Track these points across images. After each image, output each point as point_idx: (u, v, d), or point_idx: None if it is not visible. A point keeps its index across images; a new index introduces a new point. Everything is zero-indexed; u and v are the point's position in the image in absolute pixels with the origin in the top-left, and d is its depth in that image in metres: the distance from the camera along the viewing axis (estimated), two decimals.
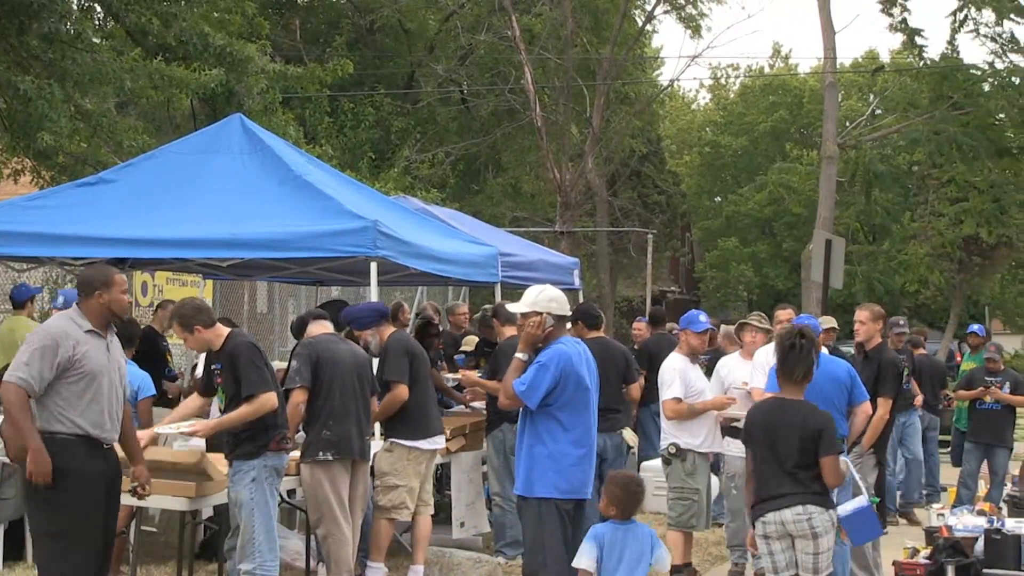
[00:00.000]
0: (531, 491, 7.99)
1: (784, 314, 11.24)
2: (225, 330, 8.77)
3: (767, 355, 11.01)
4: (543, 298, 8.12)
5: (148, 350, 12.00)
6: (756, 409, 8.31)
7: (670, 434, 10.68)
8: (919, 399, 15.47)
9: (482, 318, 13.94)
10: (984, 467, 14.86)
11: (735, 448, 11.04)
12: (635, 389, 12.12)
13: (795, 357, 7.97)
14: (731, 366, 11.19)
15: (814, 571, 7.75)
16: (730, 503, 11.04)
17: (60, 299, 9.99)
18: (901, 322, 15.02)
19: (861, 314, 11.68)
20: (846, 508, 8.16)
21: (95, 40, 17.00)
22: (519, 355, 8.10)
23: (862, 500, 8.40)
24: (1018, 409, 15.23)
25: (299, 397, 9.36)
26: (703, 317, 11.05)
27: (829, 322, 12.19)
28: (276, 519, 8.81)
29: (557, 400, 7.93)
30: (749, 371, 11.00)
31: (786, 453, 7.77)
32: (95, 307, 7.66)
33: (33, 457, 7.24)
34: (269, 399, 8.52)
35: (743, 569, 11.17)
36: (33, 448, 7.26)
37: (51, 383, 7.39)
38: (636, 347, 15.66)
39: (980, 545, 10.84)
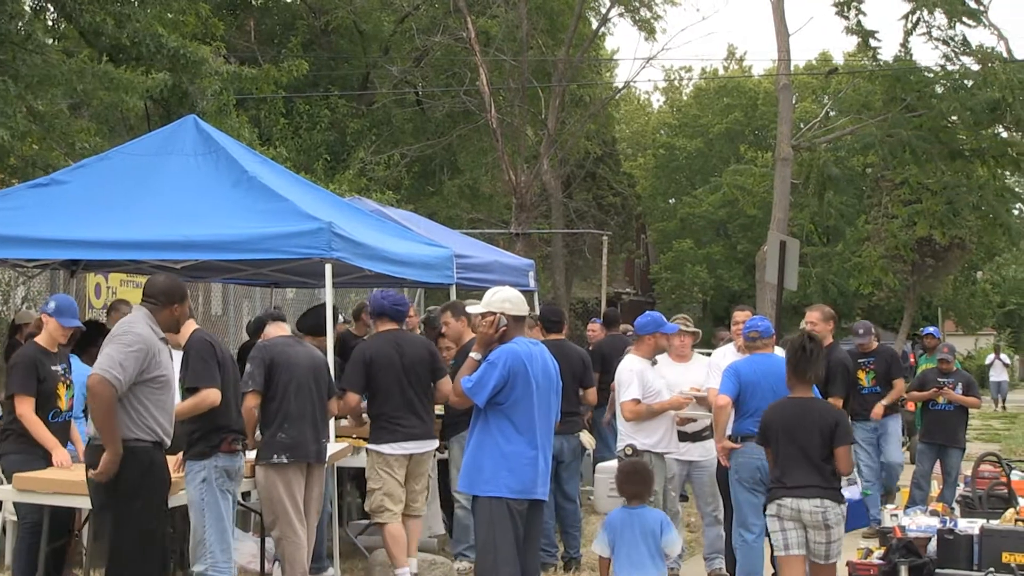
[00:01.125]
0: (483, 490, 7.99)
1: (742, 315, 11.29)
2: (192, 328, 8.75)
3: (723, 357, 11.10)
4: (497, 298, 8.21)
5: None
6: (773, 409, 8.85)
7: (627, 435, 10.68)
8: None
9: (426, 320, 13.96)
10: (937, 467, 14.93)
11: (675, 451, 11.11)
12: (591, 393, 12.12)
13: (805, 359, 8.67)
14: (660, 367, 11.25)
15: (825, 557, 8.53)
16: (668, 505, 11.04)
17: (52, 304, 9.88)
18: (860, 331, 14.78)
19: (812, 315, 11.74)
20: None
21: (46, 41, 16.85)
22: (473, 354, 8.18)
23: (855, 491, 8.69)
24: (971, 410, 15.31)
25: (251, 401, 9.36)
26: (680, 319, 11.19)
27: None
28: (231, 520, 8.77)
29: (507, 399, 7.94)
30: (680, 373, 11.11)
31: (809, 446, 8.48)
32: (166, 318, 7.97)
33: (112, 460, 7.46)
34: (210, 394, 8.46)
35: (677, 573, 11.31)
36: (115, 453, 7.47)
37: (137, 389, 7.63)
38: (590, 348, 15.67)
39: (933, 545, 10.91)
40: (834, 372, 11.32)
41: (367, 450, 10.38)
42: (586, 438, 11.88)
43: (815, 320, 11.60)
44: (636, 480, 8.55)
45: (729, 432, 10.03)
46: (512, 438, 7.95)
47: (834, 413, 8.73)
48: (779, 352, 10.96)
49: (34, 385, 9.43)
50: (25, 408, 9.39)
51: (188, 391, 8.48)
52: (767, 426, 8.74)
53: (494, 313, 8.14)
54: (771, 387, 9.84)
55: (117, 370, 7.39)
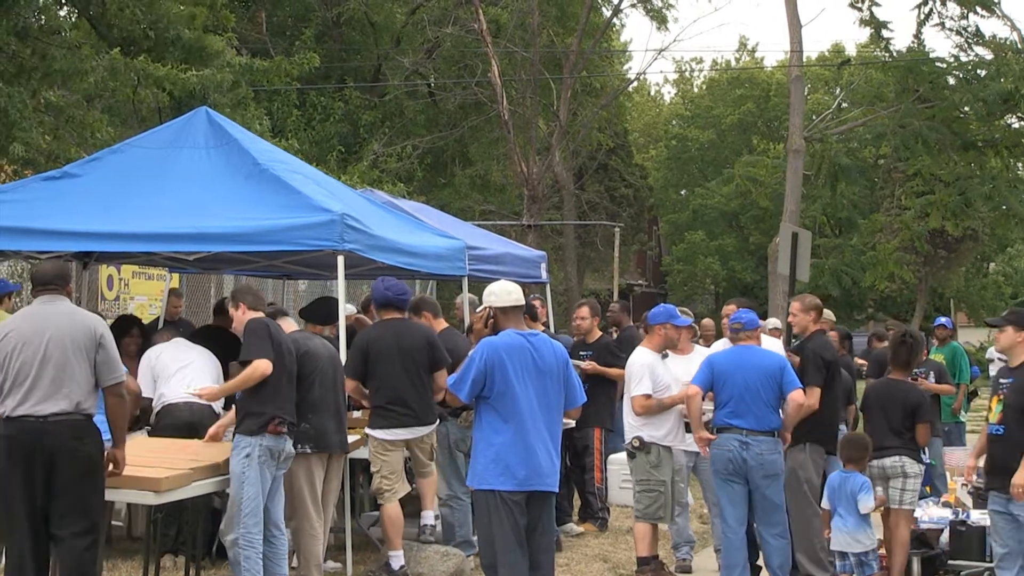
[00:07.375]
0: (478, 484, 8.05)
1: (729, 309, 11.41)
2: (251, 315, 9.19)
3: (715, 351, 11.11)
4: (485, 292, 8.36)
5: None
6: (873, 387, 11.04)
7: (634, 427, 10.66)
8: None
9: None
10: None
11: (681, 443, 11.10)
12: None
13: (904, 348, 10.69)
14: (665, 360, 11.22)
15: (900, 503, 10.36)
16: (676, 496, 11.03)
17: None
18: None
19: (793, 305, 11.38)
20: None
21: (68, 35, 16.85)
22: (472, 352, 8.24)
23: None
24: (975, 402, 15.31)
25: None
26: (679, 311, 11.14)
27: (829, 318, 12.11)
28: (266, 497, 8.90)
29: (491, 392, 7.96)
30: (682, 366, 11.06)
31: (893, 419, 10.42)
32: None
33: None
34: (259, 365, 8.77)
35: (689, 564, 11.46)
36: None
37: None
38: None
39: (945, 537, 10.92)
40: (807, 361, 10.93)
41: (367, 435, 10.50)
42: None
43: (795, 311, 11.22)
44: (852, 447, 10.20)
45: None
46: (500, 430, 7.95)
47: (918, 395, 10.72)
48: (772, 344, 11.01)
49: None
50: None
51: (241, 365, 8.89)
52: (865, 400, 10.82)
53: (485, 308, 8.31)
54: (743, 378, 9.86)
55: None
